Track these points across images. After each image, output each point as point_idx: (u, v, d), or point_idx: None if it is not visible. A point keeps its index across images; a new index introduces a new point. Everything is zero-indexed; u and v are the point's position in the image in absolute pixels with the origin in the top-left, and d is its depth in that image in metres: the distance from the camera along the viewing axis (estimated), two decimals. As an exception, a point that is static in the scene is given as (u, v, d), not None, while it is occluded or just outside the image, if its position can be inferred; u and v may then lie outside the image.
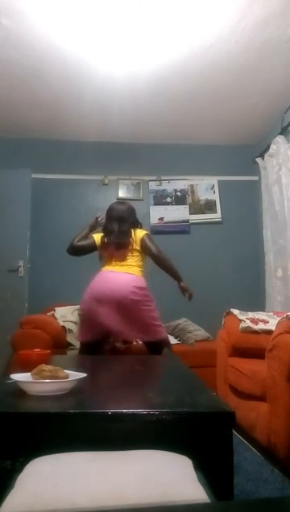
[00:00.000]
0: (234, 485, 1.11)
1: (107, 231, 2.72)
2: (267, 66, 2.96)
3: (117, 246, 2.65)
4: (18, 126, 3.89)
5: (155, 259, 2.66)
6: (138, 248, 2.68)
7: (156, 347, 2.59)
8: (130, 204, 2.89)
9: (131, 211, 2.83)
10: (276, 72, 3.04)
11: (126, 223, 2.73)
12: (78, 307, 3.34)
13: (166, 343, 2.68)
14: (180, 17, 2.46)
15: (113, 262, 2.65)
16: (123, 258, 2.64)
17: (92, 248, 2.78)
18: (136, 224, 2.82)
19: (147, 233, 2.75)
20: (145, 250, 2.68)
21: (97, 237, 2.78)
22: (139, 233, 2.72)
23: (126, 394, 1.38)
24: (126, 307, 2.46)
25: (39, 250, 3.82)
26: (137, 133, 4.00)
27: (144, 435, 1.07)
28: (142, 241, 2.68)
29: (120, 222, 2.72)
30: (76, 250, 2.78)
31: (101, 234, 2.77)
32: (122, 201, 2.99)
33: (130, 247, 2.66)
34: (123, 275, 2.57)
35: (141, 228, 2.83)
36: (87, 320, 2.59)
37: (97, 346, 2.62)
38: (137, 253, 2.68)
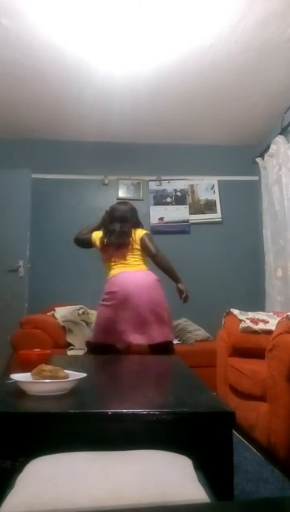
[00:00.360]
0: (234, 485, 1.11)
1: (108, 231, 2.73)
2: (267, 66, 2.96)
3: (117, 246, 2.66)
4: (18, 126, 3.89)
5: (153, 259, 2.67)
6: (138, 247, 2.69)
7: (163, 349, 2.55)
8: (131, 205, 2.90)
9: (133, 211, 2.85)
10: (276, 72, 3.04)
11: (128, 223, 2.75)
12: (78, 307, 3.36)
13: (172, 348, 2.66)
14: (180, 17, 2.46)
15: (114, 260, 2.66)
16: (123, 258, 2.65)
17: (88, 243, 2.82)
18: (138, 224, 2.84)
19: (146, 233, 2.76)
20: (144, 250, 2.69)
21: (96, 235, 2.79)
22: (139, 233, 2.73)
23: (126, 394, 1.38)
24: (154, 299, 2.52)
25: (39, 250, 3.83)
26: (137, 133, 4.00)
27: (144, 435, 1.07)
28: (142, 240, 2.69)
29: (122, 222, 2.73)
30: (77, 241, 2.88)
31: (101, 234, 2.78)
32: (123, 201, 2.99)
33: (129, 247, 2.67)
34: (139, 272, 2.62)
35: (142, 228, 2.84)
36: (105, 325, 2.57)
37: (108, 348, 2.61)
38: (138, 252, 2.69)
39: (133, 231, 2.73)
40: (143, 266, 2.68)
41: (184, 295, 2.70)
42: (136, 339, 2.53)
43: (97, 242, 2.76)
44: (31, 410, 1.12)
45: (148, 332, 2.51)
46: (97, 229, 2.86)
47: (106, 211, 2.91)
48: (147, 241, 2.69)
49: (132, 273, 2.61)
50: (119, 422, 1.08)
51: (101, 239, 2.73)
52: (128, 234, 2.69)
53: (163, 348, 2.54)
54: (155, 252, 2.65)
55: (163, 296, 2.61)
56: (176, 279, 2.70)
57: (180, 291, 2.70)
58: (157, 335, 2.53)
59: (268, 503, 0.78)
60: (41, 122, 3.81)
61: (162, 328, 2.54)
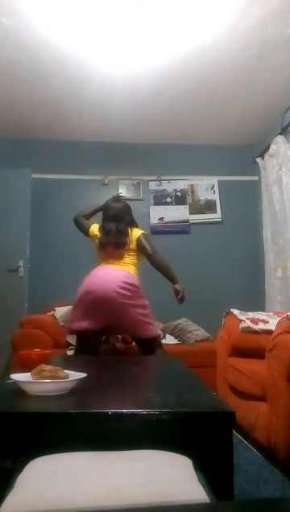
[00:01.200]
0: (234, 485, 1.11)
1: (104, 231, 2.71)
2: (266, 65, 2.96)
3: (114, 246, 2.64)
4: (19, 126, 3.89)
5: (149, 258, 2.64)
6: (134, 247, 2.67)
7: (146, 345, 2.58)
8: (126, 202, 2.87)
9: (128, 209, 2.81)
10: (276, 72, 3.04)
11: (123, 222, 2.72)
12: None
13: (157, 343, 2.65)
14: (180, 17, 2.46)
15: (110, 260, 2.65)
16: (120, 258, 2.64)
17: (84, 232, 2.84)
18: (133, 222, 2.81)
19: (143, 233, 2.74)
20: (140, 250, 2.67)
21: (94, 228, 2.78)
22: (136, 233, 2.71)
23: (126, 394, 1.38)
24: (112, 302, 2.43)
25: (39, 250, 3.82)
26: (137, 133, 4.00)
27: (144, 435, 1.07)
28: (138, 240, 2.67)
29: (117, 221, 2.70)
30: (75, 221, 2.90)
31: (98, 227, 2.77)
32: (117, 199, 2.93)
33: (126, 247, 2.65)
34: (115, 271, 2.56)
35: (137, 227, 2.82)
36: (81, 308, 2.52)
37: (94, 339, 2.57)
38: (133, 253, 2.67)
39: (129, 230, 2.70)
40: (129, 267, 2.62)
41: (180, 296, 2.66)
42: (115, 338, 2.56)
43: (95, 239, 2.75)
44: (31, 410, 1.12)
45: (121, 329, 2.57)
46: (98, 210, 2.89)
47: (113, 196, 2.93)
48: (143, 241, 2.66)
49: (105, 269, 2.59)
50: (119, 422, 1.08)
51: (99, 239, 2.71)
52: (125, 234, 2.67)
53: (147, 344, 2.57)
54: (151, 252, 2.62)
55: (124, 296, 2.46)
56: (172, 280, 2.66)
57: (177, 292, 2.66)
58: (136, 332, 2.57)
59: (268, 503, 0.78)
60: (41, 122, 3.81)
61: (129, 326, 2.55)
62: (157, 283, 2.72)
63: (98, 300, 2.44)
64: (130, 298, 2.47)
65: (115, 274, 2.54)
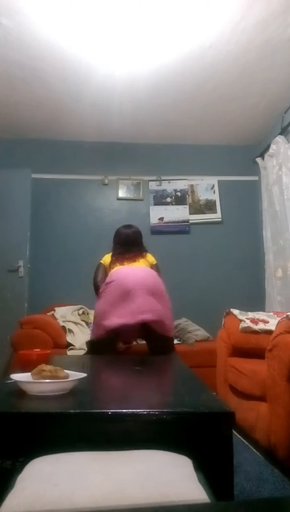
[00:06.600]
0: (234, 485, 1.11)
1: (116, 251, 2.75)
2: (267, 66, 2.96)
3: (129, 257, 2.69)
4: (18, 126, 3.89)
5: None
6: (148, 263, 2.74)
7: (164, 343, 2.54)
8: (137, 228, 2.92)
9: (140, 234, 2.89)
10: (276, 72, 3.04)
11: (136, 245, 2.79)
12: (78, 307, 3.37)
13: (172, 344, 2.65)
14: (180, 17, 2.46)
15: (125, 262, 2.66)
16: (134, 261, 2.67)
17: (106, 273, 2.77)
18: (144, 248, 2.87)
19: (157, 263, 2.80)
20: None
21: (106, 259, 2.80)
22: (151, 258, 2.79)
23: (126, 394, 1.38)
24: (157, 290, 2.48)
25: (39, 250, 3.83)
26: (137, 133, 4.00)
27: (144, 435, 1.07)
28: (153, 267, 2.74)
29: (130, 245, 2.78)
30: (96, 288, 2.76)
31: (110, 255, 2.79)
32: (128, 225, 2.96)
33: (142, 255, 2.73)
34: (142, 267, 2.63)
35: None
36: (102, 317, 2.49)
37: (109, 344, 2.54)
38: (147, 263, 2.73)
39: (145, 253, 2.78)
40: (146, 266, 2.68)
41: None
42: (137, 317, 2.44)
43: (109, 262, 2.77)
44: (31, 410, 1.12)
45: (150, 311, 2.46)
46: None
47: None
48: (156, 269, 2.73)
49: (131, 268, 2.62)
50: (119, 422, 1.08)
51: (112, 256, 2.75)
52: (141, 251, 2.76)
53: (163, 343, 2.52)
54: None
55: (163, 288, 2.59)
56: None
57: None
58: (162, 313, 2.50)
59: (268, 503, 0.78)
60: (41, 122, 3.81)
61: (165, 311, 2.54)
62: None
63: (142, 291, 2.43)
64: (164, 290, 2.55)
65: (144, 268, 2.60)
